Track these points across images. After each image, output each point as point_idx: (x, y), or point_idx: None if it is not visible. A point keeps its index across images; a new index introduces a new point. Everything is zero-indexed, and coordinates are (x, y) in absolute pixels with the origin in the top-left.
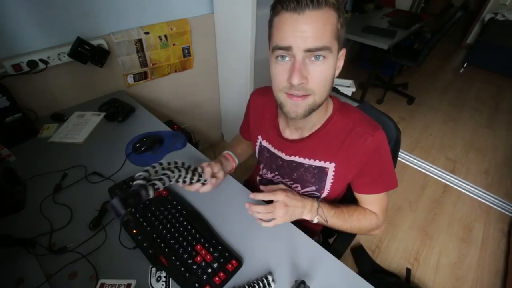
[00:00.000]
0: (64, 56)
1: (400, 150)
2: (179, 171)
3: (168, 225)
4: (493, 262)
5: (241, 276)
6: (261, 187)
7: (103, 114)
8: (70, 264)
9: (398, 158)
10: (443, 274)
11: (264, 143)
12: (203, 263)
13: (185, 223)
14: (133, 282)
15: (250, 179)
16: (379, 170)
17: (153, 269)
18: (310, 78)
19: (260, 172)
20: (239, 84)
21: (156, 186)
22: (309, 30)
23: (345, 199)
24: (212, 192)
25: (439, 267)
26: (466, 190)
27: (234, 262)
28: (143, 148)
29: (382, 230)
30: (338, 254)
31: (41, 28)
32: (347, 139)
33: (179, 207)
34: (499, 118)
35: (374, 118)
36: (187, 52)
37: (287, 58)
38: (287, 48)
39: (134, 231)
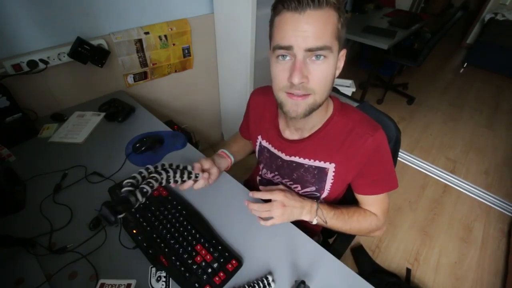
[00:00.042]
0: (64, 56)
1: (400, 150)
2: (167, 172)
3: (168, 225)
4: (493, 262)
5: (241, 276)
6: (261, 187)
7: (103, 114)
8: (70, 264)
9: (398, 158)
10: (443, 274)
11: (264, 143)
12: (203, 263)
13: (185, 223)
14: (133, 282)
15: (250, 179)
16: (379, 171)
17: (153, 269)
18: (311, 78)
19: (260, 172)
20: (239, 84)
21: (144, 190)
22: (310, 29)
23: (345, 200)
24: (212, 192)
25: (439, 267)
26: (466, 190)
27: (234, 262)
28: (143, 148)
29: (383, 232)
30: (338, 254)
31: (41, 28)
32: (347, 139)
33: (179, 207)
34: (499, 118)
35: (374, 118)
36: (187, 52)
37: (287, 58)
38: (288, 48)
39: (134, 231)
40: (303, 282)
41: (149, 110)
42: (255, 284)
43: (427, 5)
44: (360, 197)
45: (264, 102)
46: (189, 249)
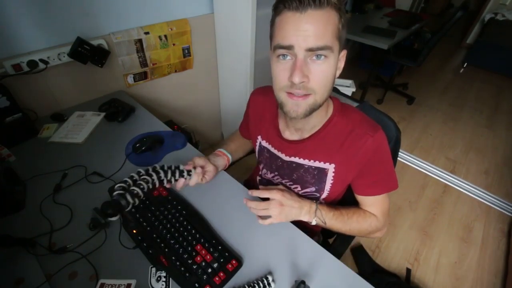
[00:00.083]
0: (64, 56)
1: (400, 150)
2: (158, 173)
3: (168, 225)
4: (493, 262)
5: (241, 276)
6: (260, 187)
7: (103, 114)
8: (70, 264)
9: (398, 158)
10: (443, 274)
11: (264, 143)
12: (203, 263)
13: (185, 223)
14: (133, 282)
15: (250, 179)
16: (379, 171)
17: (153, 269)
18: (311, 77)
19: (260, 172)
20: (239, 84)
21: (134, 192)
22: (311, 29)
23: (345, 201)
24: (212, 192)
25: (439, 267)
26: (466, 190)
27: (234, 262)
28: (143, 148)
29: (384, 233)
30: (338, 254)
31: (41, 28)
32: (347, 140)
33: (179, 207)
34: (499, 118)
35: (374, 118)
36: (187, 52)
37: (288, 57)
38: (289, 47)
39: (134, 231)
40: (303, 282)
41: (149, 110)
42: (255, 284)
43: (427, 5)
44: (360, 198)
45: (264, 102)
46: (189, 249)
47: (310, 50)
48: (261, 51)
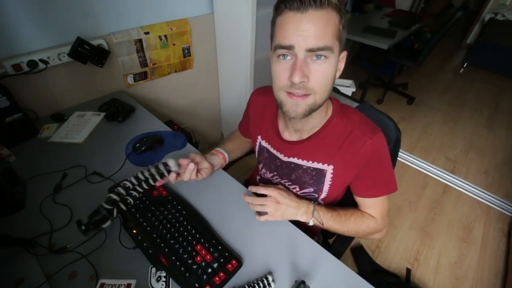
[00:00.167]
0: (64, 56)
1: (400, 150)
2: (137, 179)
3: (168, 225)
4: (493, 262)
5: (241, 276)
6: (260, 185)
7: (103, 114)
8: (70, 264)
9: (398, 158)
10: (443, 274)
11: (264, 143)
12: (203, 263)
13: (185, 223)
14: (133, 282)
15: (250, 179)
16: (377, 173)
17: (153, 269)
18: (311, 77)
19: (260, 172)
20: (239, 84)
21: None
22: (311, 29)
23: (345, 202)
24: (212, 192)
25: (439, 267)
26: (466, 190)
27: (234, 262)
28: (143, 148)
29: (383, 235)
30: (338, 254)
31: (41, 28)
32: (346, 141)
33: (179, 207)
34: (499, 118)
35: (374, 118)
36: (187, 52)
37: (288, 57)
38: (289, 47)
39: (134, 231)
40: (303, 282)
41: (149, 110)
42: (255, 284)
43: (427, 5)
44: (358, 200)
45: (264, 102)
46: (189, 249)
47: (311, 50)
48: (261, 51)
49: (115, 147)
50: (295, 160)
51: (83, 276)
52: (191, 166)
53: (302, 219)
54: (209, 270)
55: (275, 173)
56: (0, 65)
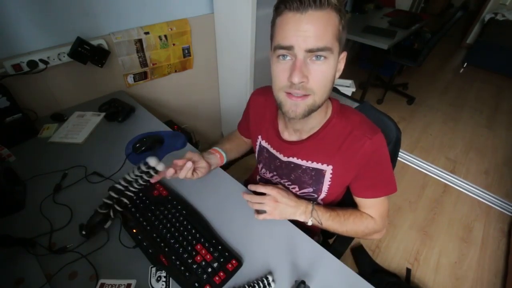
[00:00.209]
0: (64, 56)
1: (400, 150)
2: (126, 181)
3: (168, 225)
4: (493, 262)
5: (241, 276)
6: (260, 184)
7: (103, 114)
8: (70, 264)
9: (398, 158)
10: (443, 274)
11: (264, 143)
12: (203, 263)
13: (185, 222)
14: (133, 282)
15: (250, 179)
16: (377, 174)
17: (153, 269)
18: (311, 78)
19: (259, 172)
20: (239, 84)
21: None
22: (311, 29)
23: (345, 203)
24: (212, 191)
25: (439, 267)
26: (466, 190)
27: (234, 261)
28: (143, 148)
29: (382, 235)
30: (338, 254)
31: (41, 28)
32: (346, 141)
33: (179, 207)
34: (499, 118)
35: (374, 119)
36: (187, 52)
37: (288, 58)
38: (289, 48)
39: (134, 231)
40: (303, 282)
41: (149, 110)
42: (255, 284)
43: (427, 5)
44: (358, 200)
45: (265, 102)
46: (189, 248)
47: (310, 51)
48: (261, 51)
49: (115, 147)
50: (294, 160)
51: (83, 276)
52: (189, 164)
53: (301, 218)
54: (209, 270)
55: (275, 173)
56: (0, 65)
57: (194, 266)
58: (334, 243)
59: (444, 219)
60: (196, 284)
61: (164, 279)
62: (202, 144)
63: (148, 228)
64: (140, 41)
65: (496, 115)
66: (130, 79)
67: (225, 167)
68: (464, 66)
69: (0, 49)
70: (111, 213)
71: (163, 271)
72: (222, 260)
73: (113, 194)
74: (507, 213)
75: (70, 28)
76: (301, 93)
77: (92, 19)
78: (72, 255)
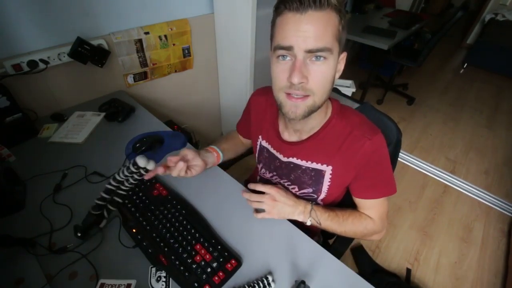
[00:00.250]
0: (64, 56)
1: (400, 151)
2: (116, 181)
3: (168, 225)
4: (493, 262)
5: (241, 276)
6: (259, 183)
7: (103, 114)
8: (70, 264)
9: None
10: (443, 274)
11: (264, 143)
12: (203, 263)
13: (184, 222)
14: (133, 282)
15: (251, 179)
16: (376, 174)
17: (153, 269)
18: (310, 78)
19: (259, 172)
20: (239, 84)
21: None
22: (311, 30)
23: (345, 204)
24: (212, 191)
25: (439, 267)
26: (466, 190)
27: (233, 261)
28: (143, 148)
29: (382, 236)
30: (338, 254)
31: (41, 28)
32: (345, 142)
33: (178, 207)
34: (499, 118)
35: (375, 119)
36: (187, 52)
37: (288, 58)
38: (289, 48)
39: (134, 230)
40: (303, 282)
41: (149, 110)
42: (255, 284)
43: (427, 5)
44: (357, 201)
45: (265, 102)
46: (189, 248)
47: (310, 51)
48: (261, 51)
49: (115, 147)
50: (294, 160)
51: (83, 276)
52: (180, 164)
53: (299, 218)
54: (208, 270)
55: (275, 173)
56: (0, 65)
57: (194, 266)
58: (334, 243)
59: (444, 219)
60: (196, 284)
61: (164, 279)
62: (202, 144)
63: (148, 228)
64: (140, 41)
65: (496, 115)
66: (130, 79)
67: (225, 167)
68: (464, 66)
69: (0, 49)
70: (105, 213)
71: (163, 271)
72: (221, 260)
73: (104, 195)
74: (507, 213)
75: (70, 28)
76: (301, 93)
77: (92, 19)
78: (72, 255)
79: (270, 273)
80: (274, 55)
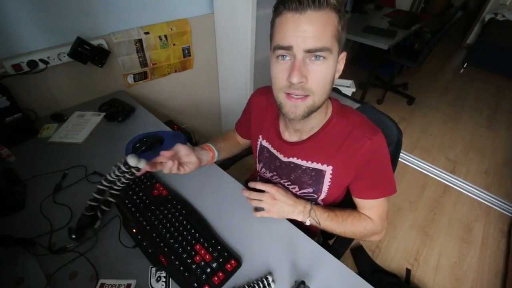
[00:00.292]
0: (64, 56)
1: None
2: (108, 181)
3: (168, 225)
4: (493, 262)
5: (240, 276)
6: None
7: (103, 114)
8: (70, 264)
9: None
10: (443, 274)
11: (265, 143)
12: (202, 263)
13: (184, 222)
14: (133, 282)
15: (251, 179)
16: (376, 174)
17: (153, 269)
18: (310, 78)
19: (259, 172)
20: (239, 84)
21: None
22: (310, 30)
23: (346, 204)
24: (212, 191)
25: (439, 267)
26: (466, 190)
27: (233, 262)
28: (143, 148)
29: (381, 237)
30: (338, 255)
31: (41, 28)
32: (346, 142)
33: (178, 207)
34: (499, 118)
35: (375, 119)
36: (187, 52)
37: (287, 58)
38: (288, 48)
39: (134, 230)
40: (303, 282)
41: (149, 110)
42: (255, 284)
43: (427, 5)
44: (357, 201)
45: (266, 102)
46: (188, 248)
47: (309, 51)
48: (261, 51)
49: (115, 147)
50: (294, 160)
51: (83, 276)
52: (169, 163)
53: (299, 218)
54: (208, 270)
55: (275, 173)
56: (0, 65)
57: (193, 266)
58: (334, 244)
59: (444, 219)
60: (195, 285)
61: (164, 279)
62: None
63: (148, 228)
64: (140, 41)
65: (496, 115)
66: (130, 79)
67: (225, 167)
68: (464, 66)
69: (0, 49)
70: (99, 214)
71: (163, 271)
72: (221, 260)
73: (96, 196)
74: (507, 213)
75: (70, 28)
76: (301, 93)
77: (92, 19)
78: (72, 255)
79: (270, 273)
80: (273, 55)
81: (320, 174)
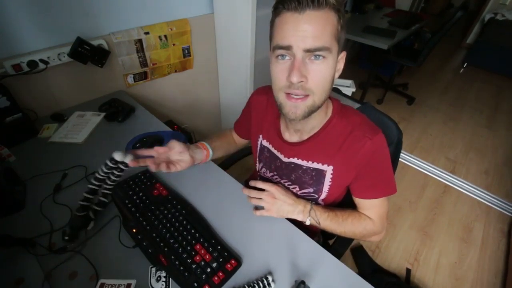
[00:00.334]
0: (64, 56)
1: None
2: (98, 180)
3: (168, 225)
4: (493, 262)
5: (240, 276)
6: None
7: (103, 114)
8: (70, 264)
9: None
10: (443, 274)
11: (265, 143)
12: (202, 263)
13: (184, 222)
14: (133, 282)
15: (250, 179)
16: (377, 174)
17: (153, 269)
18: (310, 78)
19: (259, 171)
20: (239, 84)
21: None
22: (309, 29)
23: (346, 204)
24: (212, 191)
25: (439, 267)
26: (466, 190)
27: (233, 261)
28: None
29: (381, 237)
30: (338, 255)
31: (41, 28)
32: (346, 142)
33: (178, 207)
34: (499, 118)
35: (375, 119)
36: (187, 52)
37: (287, 57)
38: (287, 47)
39: (134, 230)
40: (303, 282)
41: (149, 110)
42: (255, 284)
43: (427, 5)
44: (357, 201)
45: (267, 102)
46: (188, 248)
47: (308, 50)
48: (261, 51)
49: (115, 147)
50: (295, 160)
51: (83, 276)
52: (153, 166)
53: (299, 217)
54: (208, 270)
55: (275, 173)
56: (0, 65)
57: (193, 266)
58: (334, 244)
59: (444, 219)
60: (195, 284)
61: (164, 279)
62: None
63: (148, 228)
64: (140, 41)
65: (496, 115)
66: (130, 79)
67: (225, 167)
68: (464, 66)
69: (0, 49)
70: (91, 215)
71: (163, 271)
72: (221, 260)
73: (87, 195)
74: (507, 213)
75: (70, 28)
76: (300, 93)
77: (92, 19)
78: (72, 255)
79: (270, 273)
80: (273, 55)
81: (320, 174)
